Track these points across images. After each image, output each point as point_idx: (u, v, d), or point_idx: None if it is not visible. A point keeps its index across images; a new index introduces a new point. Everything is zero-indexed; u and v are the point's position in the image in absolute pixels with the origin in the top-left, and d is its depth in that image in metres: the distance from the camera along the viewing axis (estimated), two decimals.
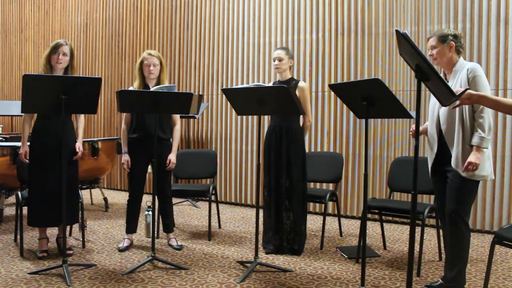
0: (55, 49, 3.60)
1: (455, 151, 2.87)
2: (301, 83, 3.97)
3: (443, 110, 2.94)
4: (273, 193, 3.92)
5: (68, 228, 4.26)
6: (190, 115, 5.82)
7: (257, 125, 5.91)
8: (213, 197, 4.56)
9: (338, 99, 5.37)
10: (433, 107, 3.05)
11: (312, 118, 5.59)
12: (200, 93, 6.42)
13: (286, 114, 3.82)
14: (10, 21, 8.98)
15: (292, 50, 4.49)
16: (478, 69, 2.83)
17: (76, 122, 3.87)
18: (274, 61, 3.97)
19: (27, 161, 3.65)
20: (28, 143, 3.69)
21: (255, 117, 6.02)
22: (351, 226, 5.02)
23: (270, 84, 4.08)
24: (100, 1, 7.61)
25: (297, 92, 3.91)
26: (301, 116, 4.01)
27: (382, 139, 5.25)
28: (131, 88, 4.09)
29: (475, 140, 2.80)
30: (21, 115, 8.04)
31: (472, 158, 2.79)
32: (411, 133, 3.07)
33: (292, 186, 3.89)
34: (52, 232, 4.33)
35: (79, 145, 3.75)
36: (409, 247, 2.37)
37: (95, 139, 5.37)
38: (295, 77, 5.53)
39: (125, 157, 3.98)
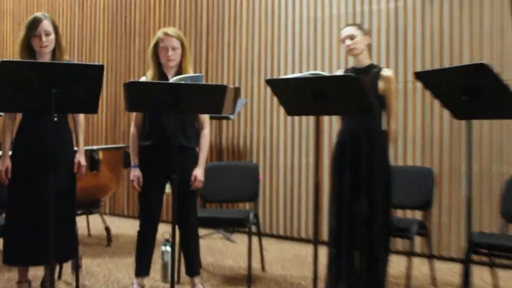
0: (33, 28, 3.62)
1: None
2: (385, 71, 3.97)
3: None
4: (345, 223, 3.88)
5: (57, 268, 4.29)
6: (223, 115, 5.81)
7: (314, 129, 5.84)
8: (254, 228, 4.59)
9: (427, 93, 5.26)
10: None
11: None
12: (236, 86, 6.44)
13: (353, 113, 3.83)
14: None
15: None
16: None
17: (74, 126, 3.91)
18: (344, 42, 3.96)
19: (7, 181, 3.69)
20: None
21: (311, 118, 5.96)
22: (448, 272, 4.95)
23: (340, 72, 4.04)
24: None
25: (380, 84, 3.90)
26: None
27: (492, 149, 5.14)
28: (143, 79, 4.14)
29: None
30: None
31: None
32: None
33: (373, 214, 3.84)
34: (36, 273, 4.37)
35: (80, 159, 3.82)
36: None
37: (95, 147, 5.45)
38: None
39: (135, 172, 4.01)
